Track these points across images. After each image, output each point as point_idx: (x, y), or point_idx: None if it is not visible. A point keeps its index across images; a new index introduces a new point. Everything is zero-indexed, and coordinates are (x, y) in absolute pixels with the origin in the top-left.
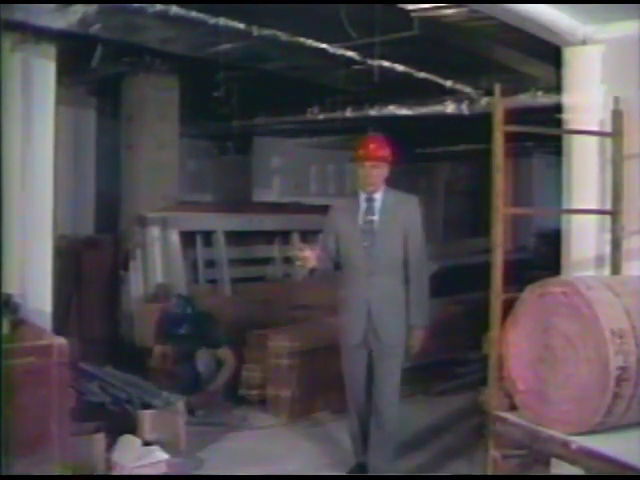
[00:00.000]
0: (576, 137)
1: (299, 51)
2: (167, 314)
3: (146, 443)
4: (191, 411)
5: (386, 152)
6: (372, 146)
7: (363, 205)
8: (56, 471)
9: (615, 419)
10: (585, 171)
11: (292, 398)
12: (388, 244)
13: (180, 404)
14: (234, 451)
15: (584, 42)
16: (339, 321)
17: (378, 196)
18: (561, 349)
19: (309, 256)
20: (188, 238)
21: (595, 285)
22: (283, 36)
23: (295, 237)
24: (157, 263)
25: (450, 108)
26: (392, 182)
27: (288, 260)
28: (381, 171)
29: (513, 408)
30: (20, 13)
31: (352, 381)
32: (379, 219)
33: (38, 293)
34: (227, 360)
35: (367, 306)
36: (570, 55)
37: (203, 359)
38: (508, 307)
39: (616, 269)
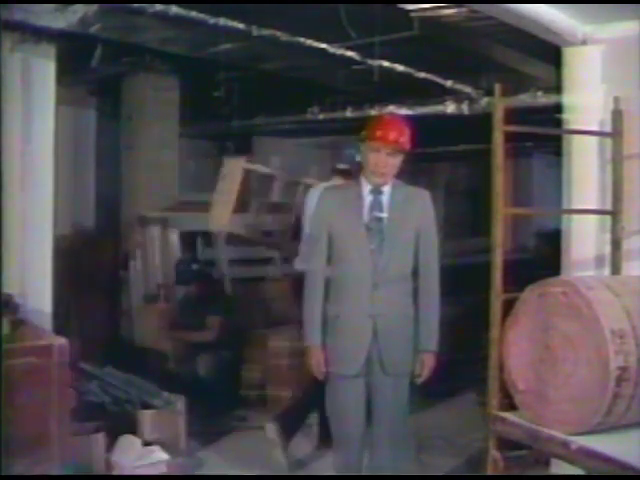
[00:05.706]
0: (576, 137)
1: (299, 51)
2: None
3: (146, 443)
4: None
5: (408, 139)
6: (394, 128)
7: (368, 198)
8: (56, 471)
9: (615, 419)
10: (585, 171)
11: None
12: (399, 248)
13: (180, 404)
14: (234, 451)
15: (584, 42)
16: (327, 345)
17: (386, 189)
18: (561, 349)
19: (320, 361)
20: (188, 238)
21: (595, 285)
22: (283, 36)
23: None
24: (157, 263)
25: (450, 108)
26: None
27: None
28: (397, 161)
29: (513, 408)
30: (20, 13)
31: (346, 423)
32: (389, 217)
33: (38, 293)
34: None
35: (372, 325)
36: (570, 55)
37: None
38: (508, 307)
39: (616, 269)
